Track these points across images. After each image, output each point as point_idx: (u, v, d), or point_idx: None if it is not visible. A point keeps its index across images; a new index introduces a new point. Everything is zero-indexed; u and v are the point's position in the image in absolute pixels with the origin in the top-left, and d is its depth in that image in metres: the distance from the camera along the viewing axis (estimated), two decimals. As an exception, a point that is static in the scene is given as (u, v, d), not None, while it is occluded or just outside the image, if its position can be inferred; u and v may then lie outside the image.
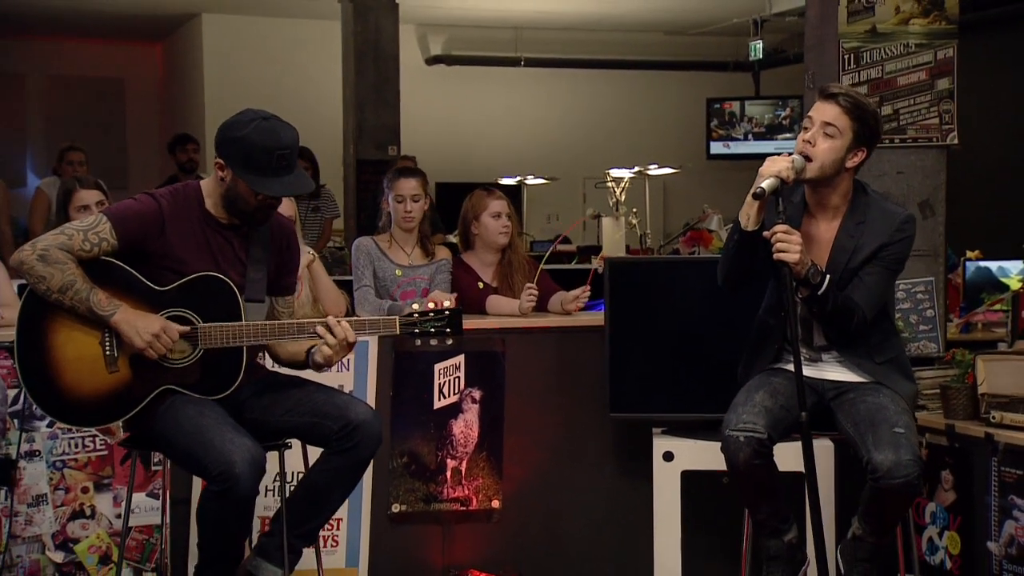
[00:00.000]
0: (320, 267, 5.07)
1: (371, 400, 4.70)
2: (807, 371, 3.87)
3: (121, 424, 3.69)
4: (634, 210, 9.08)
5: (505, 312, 5.11)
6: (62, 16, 13.25)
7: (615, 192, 9.16)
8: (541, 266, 5.31)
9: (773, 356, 3.89)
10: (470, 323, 4.89)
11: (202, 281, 3.57)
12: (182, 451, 3.51)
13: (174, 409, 3.51)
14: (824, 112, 3.69)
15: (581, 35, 14.03)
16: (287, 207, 4.94)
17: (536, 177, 11.48)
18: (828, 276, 3.66)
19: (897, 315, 5.15)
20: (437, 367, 4.82)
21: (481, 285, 5.31)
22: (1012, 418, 4.40)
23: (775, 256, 3.58)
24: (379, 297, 5.14)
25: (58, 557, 4.40)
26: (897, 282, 5.13)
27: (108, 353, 3.53)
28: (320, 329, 3.58)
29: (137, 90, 15.26)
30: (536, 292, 5.07)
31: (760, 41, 12.72)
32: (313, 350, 3.73)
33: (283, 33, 13.03)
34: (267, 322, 3.63)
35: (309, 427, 3.66)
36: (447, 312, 3.64)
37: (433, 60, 13.94)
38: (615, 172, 9.44)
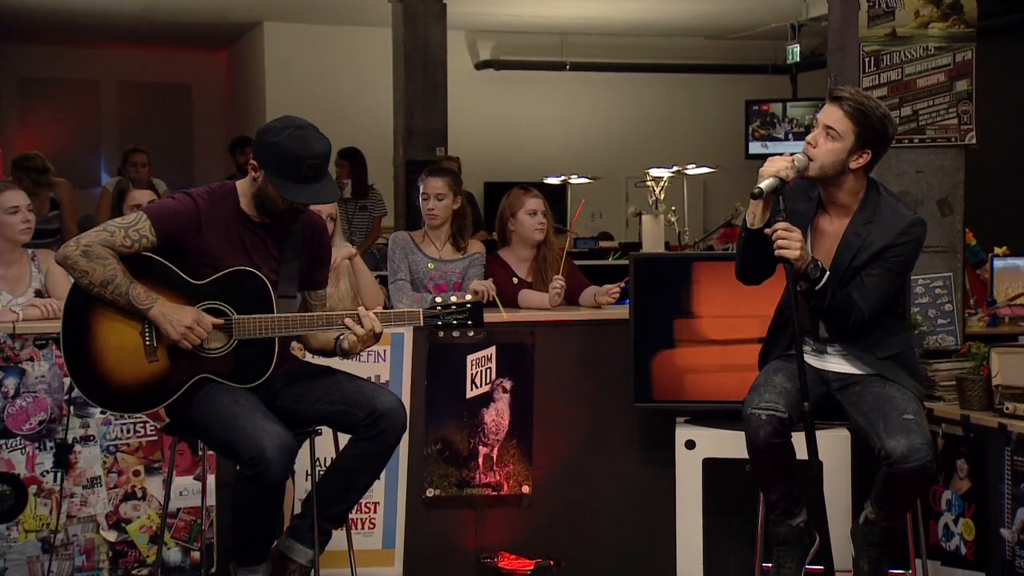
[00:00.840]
0: (361, 262, 5.10)
1: (406, 389, 4.72)
2: (814, 362, 3.87)
3: (163, 411, 3.73)
4: (672, 208, 9.06)
5: (536, 305, 5.12)
6: (133, 25, 13.36)
7: (654, 191, 9.16)
8: (564, 255, 5.31)
9: (788, 343, 3.86)
10: (502, 316, 4.94)
11: (236, 276, 3.60)
12: (217, 437, 3.54)
13: (209, 397, 3.54)
14: (828, 115, 3.66)
15: (625, 40, 13.98)
16: (329, 205, 4.97)
17: (580, 176, 11.45)
18: (828, 272, 3.63)
19: (916, 309, 5.11)
20: (469, 358, 4.84)
21: (516, 280, 5.31)
22: (1025, 409, 4.38)
23: (776, 252, 3.56)
24: (414, 291, 5.16)
25: (111, 536, 4.45)
26: (915, 277, 5.12)
27: (148, 343, 3.56)
28: (348, 321, 3.60)
29: (203, 95, 15.37)
30: (563, 284, 5.08)
31: (797, 45, 12.62)
32: (340, 338, 3.75)
33: (339, 40, 13.08)
34: (298, 314, 3.65)
35: (338, 415, 3.68)
36: (469, 305, 3.64)
37: (482, 65, 13.93)
38: (654, 172, 9.43)
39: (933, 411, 4.70)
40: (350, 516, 4.31)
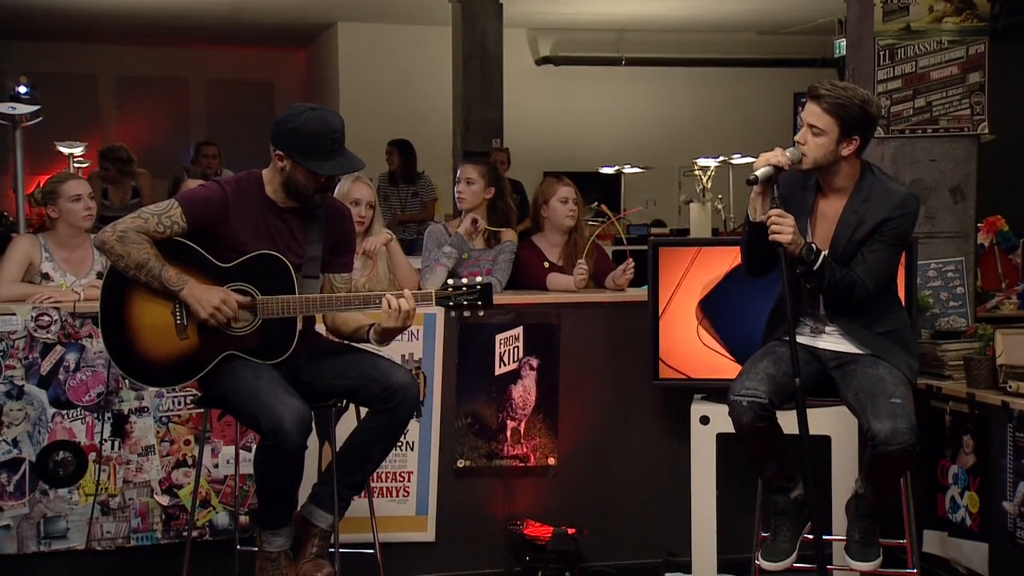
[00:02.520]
0: (397, 247, 5.12)
1: (438, 367, 4.76)
2: (809, 341, 3.85)
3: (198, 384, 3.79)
4: (719, 196, 9.02)
5: (562, 288, 5.13)
6: (221, 26, 13.54)
7: (702, 180, 9.12)
8: (591, 240, 5.31)
9: (785, 328, 3.84)
10: (529, 299, 4.97)
11: (261, 259, 3.64)
12: (240, 409, 3.60)
13: (235, 372, 3.59)
14: (810, 113, 3.64)
15: (678, 36, 13.88)
16: (366, 192, 5.02)
17: (633, 166, 11.42)
18: (822, 253, 3.61)
19: (927, 292, 5.06)
20: (498, 338, 4.85)
21: (547, 264, 5.32)
22: (1027, 388, 4.33)
23: (770, 238, 3.55)
24: (459, 276, 5.16)
25: (164, 500, 4.53)
26: (928, 261, 5.07)
27: (179, 322, 3.62)
28: (390, 300, 3.60)
29: (284, 92, 15.47)
30: (587, 268, 5.08)
31: (844, 39, 12.46)
32: (371, 329, 3.77)
33: (406, 38, 13.12)
34: (319, 295, 3.68)
35: (355, 389, 3.72)
36: (478, 287, 3.65)
37: (542, 61, 13.91)
38: (701, 161, 9.39)
39: (942, 389, 4.68)
40: (378, 485, 4.39)
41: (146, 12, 12.54)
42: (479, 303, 3.64)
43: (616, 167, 11.45)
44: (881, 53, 5.13)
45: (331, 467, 3.75)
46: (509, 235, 5.32)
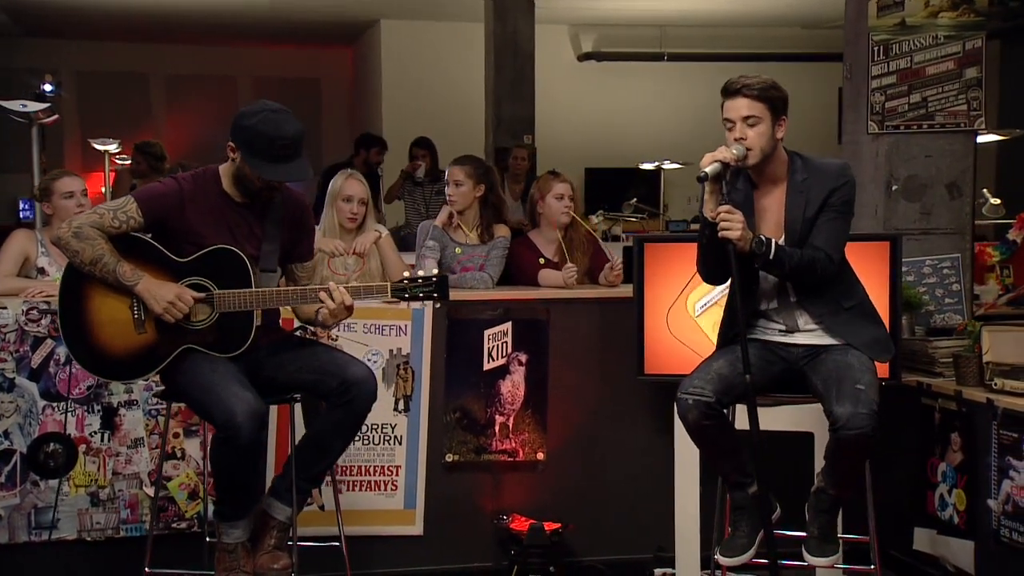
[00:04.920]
0: (387, 243, 5.18)
1: (426, 362, 4.82)
2: (783, 339, 3.86)
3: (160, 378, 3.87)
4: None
5: (553, 284, 5.17)
6: (267, 24, 13.71)
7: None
8: (584, 235, 5.33)
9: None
10: (518, 294, 5.01)
11: (217, 253, 3.68)
12: (196, 402, 3.67)
13: (193, 365, 3.65)
14: (738, 108, 3.68)
15: (722, 31, 13.82)
16: (359, 189, 5.10)
17: (673, 162, 11.38)
18: (772, 241, 3.63)
19: (922, 288, 5.04)
20: (487, 333, 4.90)
21: (542, 261, 5.37)
22: (1012, 385, 4.32)
23: (719, 234, 3.57)
24: (452, 272, 5.23)
25: (153, 492, 4.60)
26: (923, 257, 5.04)
27: (136, 317, 3.68)
28: (322, 295, 3.66)
29: (331, 89, 15.65)
30: (575, 269, 5.12)
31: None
32: (319, 312, 3.82)
33: (445, 35, 13.20)
34: (275, 288, 3.72)
35: (313, 383, 3.77)
36: (434, 279, 3.68)
37: (584, 57, 13.92)
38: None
39: (931, 386, 4.65)
40: (366, 479, 4.43)
41: (195, 11, 12.75)
42: (435, 295, 3.67)
43: (656, 163, 11.43)
44: (875, 48, 5.11)
45: (290, 460, 3.81)
46: (502, 231, 5.37)
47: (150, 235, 3.73)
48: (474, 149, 10.70)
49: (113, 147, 9.35)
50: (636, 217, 10.70)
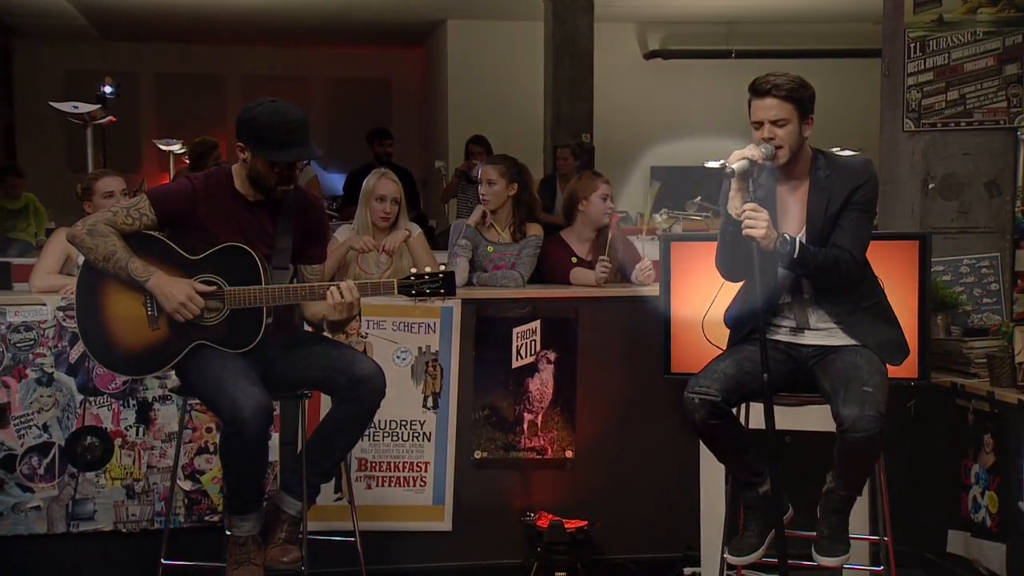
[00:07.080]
0: (417, 242, 5.21)
1: (455, 359, 4.86)
2: (792, 339, 3.84)
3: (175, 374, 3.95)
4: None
5: (584, 283, 5.18)
6: (338, 25, 13.88)
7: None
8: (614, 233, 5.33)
9: (751, 327, 3.84)
10: (547, 292, 5.02)
11: (228, 250, 3.74)
12: (206, 397, 3.75)
13: (204, 361, 3.71)
14: (767, 109, 3.67)
15: (790, 27, 13.69)
16: (392, 188, 5.15)
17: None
18: (797, 239, 3.62)
19: (959, 288, 4.97)
20: (515, 331, 4.93)
21: (575, 260, 5.38)
22: (1044, 386, 4.24)
23: (744, 233, 3.56)
24: (484, 271, 5.28)
25: (187, 485, 4.73)
26: (961, 256, 4.97)
27: (150, 313, 3.76)
28: (332, 290, 3.69)
29: (401, 89, 15.75)
30: (609, 265, 5.12)
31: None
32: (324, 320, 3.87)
33: (509, 34, 13.20)
34: (284, 285, 3.77)
35: (322, 380, 3.83)
36: (441, 275, 3.69)
37: (651, 55, 13.88)
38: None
39: (965, 387, 4.59)
40: (394, 474, 4.46)
41: (269, 13, 12.95)
42: (442, 291, 3.69)
43: (722, 161, 11.35)
44: (912, 45, 5.05)
45: (301, 455, 3.87)
46: (535, 229, 5.39)
47: (167, 233, 3.82)
48: (533, 148, 10.77)
49: (177, 147, 9.57)
50: (701, 216, 10.63)
